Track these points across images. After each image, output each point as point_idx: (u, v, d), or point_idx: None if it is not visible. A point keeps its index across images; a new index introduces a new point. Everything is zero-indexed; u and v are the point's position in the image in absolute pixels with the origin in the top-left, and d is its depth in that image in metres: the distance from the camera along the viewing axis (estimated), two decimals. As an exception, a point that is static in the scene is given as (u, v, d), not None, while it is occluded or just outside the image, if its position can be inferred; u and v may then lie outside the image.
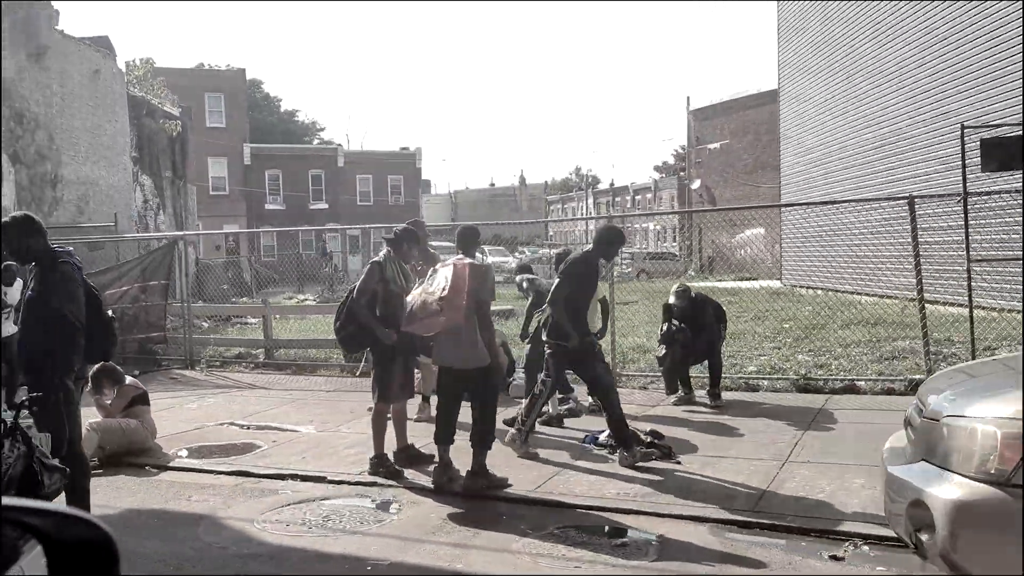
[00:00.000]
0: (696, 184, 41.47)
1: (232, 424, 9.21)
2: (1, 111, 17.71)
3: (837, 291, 19.85)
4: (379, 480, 6.73)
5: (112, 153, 24.09)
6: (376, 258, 7.06)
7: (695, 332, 9.07)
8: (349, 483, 6.76)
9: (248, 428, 9.01)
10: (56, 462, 4.81)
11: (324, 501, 6.36)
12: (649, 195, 77.00)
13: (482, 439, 6.39)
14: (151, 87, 29.68)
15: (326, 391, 11.18)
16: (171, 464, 7.61)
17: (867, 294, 19.32)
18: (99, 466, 7.29)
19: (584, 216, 78.78)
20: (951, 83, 18.01)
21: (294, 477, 6.98)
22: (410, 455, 7.18)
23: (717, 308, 9.36)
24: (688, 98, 79.28)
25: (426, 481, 6.67)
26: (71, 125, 22.00)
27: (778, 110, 29.11)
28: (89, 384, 7.99)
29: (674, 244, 53.33)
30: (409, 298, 6.49)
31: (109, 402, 8.03)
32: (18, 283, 10.19)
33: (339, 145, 53.44)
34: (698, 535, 5.24)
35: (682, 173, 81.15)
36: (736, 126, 40.08)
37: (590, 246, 7.24)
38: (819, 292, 19.54)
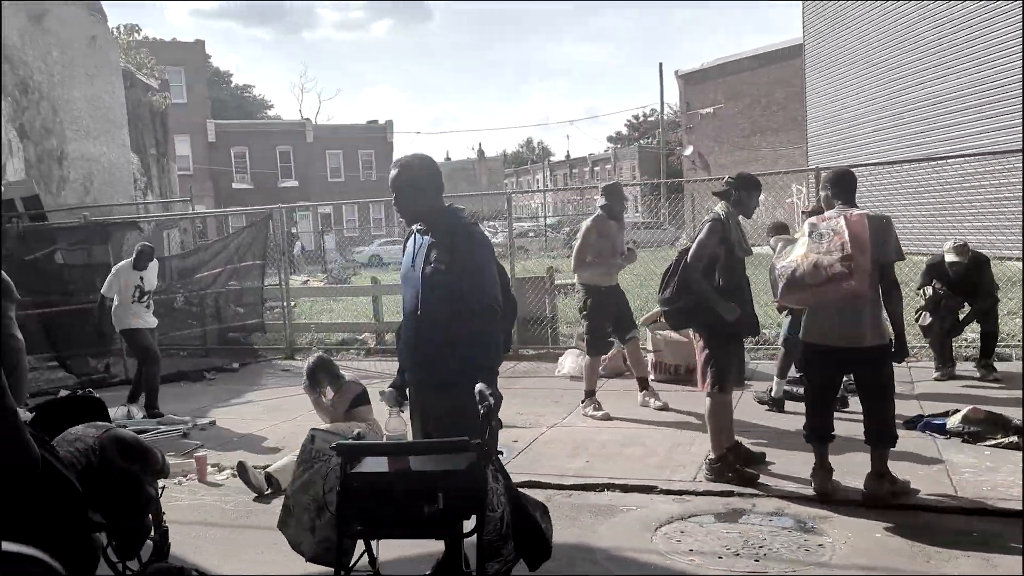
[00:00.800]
0: (689, 151, 40.51)
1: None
2: (2, 79, 15.75)
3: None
4: (733, 488, 5.48)
5: (111, 127, 21.99)
6: (714, 214, 5.72)
7: (965, 296, 7.94)
8: (695, 493, 5.50)
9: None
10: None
11: (702, 520, 5.10)
12: (608, 166, 76.22)
13: (882, 435, 5.16)
14: (136, 57, 27.44)
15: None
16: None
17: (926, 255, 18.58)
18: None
19: (543, 188, 78.44)
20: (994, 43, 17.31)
21: (610, 488, 5.70)
22: (739, 454, 5.94)
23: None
24: (660, 64, 78.44)
25: (788, 486, 5.47)
26: (71, 96, 19.90)
27: (790, 70, 28.32)
28: (306, 381, 6.65)
29: (637, 212, 52.43)
30: (784, 263, 5.16)
31: (330, 403, 6.63)
32: (153, 265, 8.60)
33: (307, 119, 51.21)
34: None
35: (642, 142, 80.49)
36: (730, 90, 39.15)
37: None
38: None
